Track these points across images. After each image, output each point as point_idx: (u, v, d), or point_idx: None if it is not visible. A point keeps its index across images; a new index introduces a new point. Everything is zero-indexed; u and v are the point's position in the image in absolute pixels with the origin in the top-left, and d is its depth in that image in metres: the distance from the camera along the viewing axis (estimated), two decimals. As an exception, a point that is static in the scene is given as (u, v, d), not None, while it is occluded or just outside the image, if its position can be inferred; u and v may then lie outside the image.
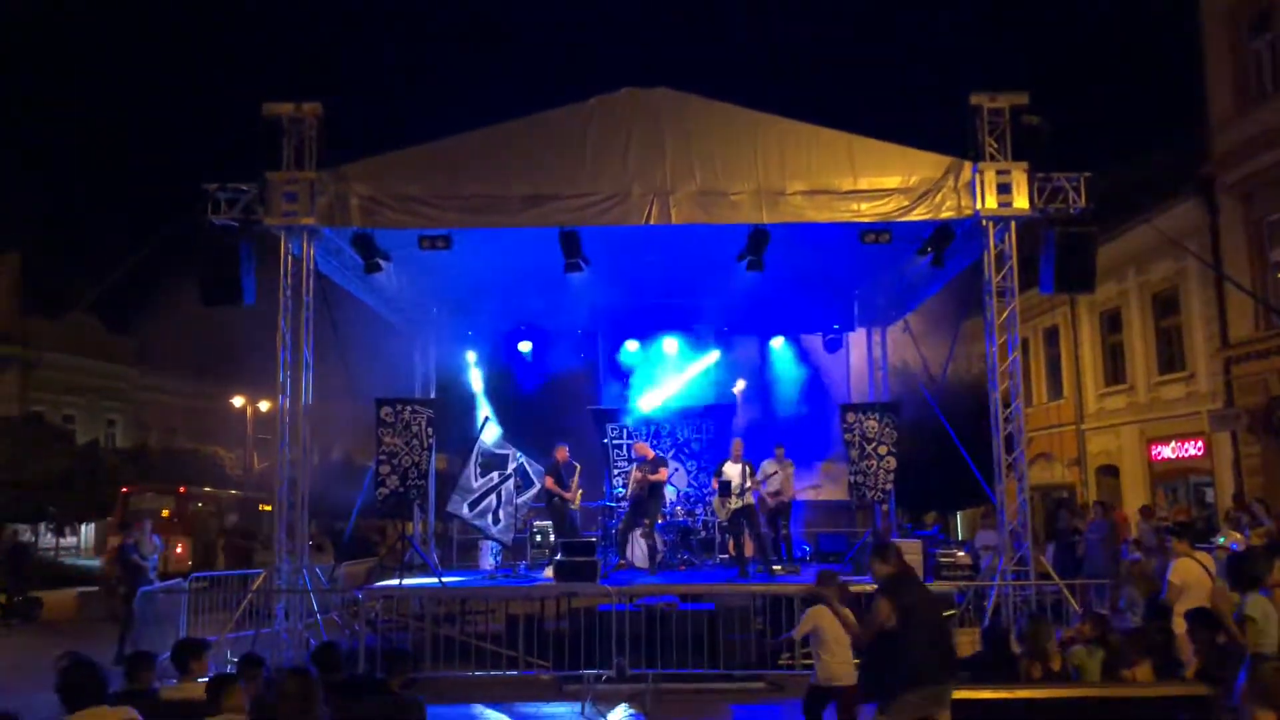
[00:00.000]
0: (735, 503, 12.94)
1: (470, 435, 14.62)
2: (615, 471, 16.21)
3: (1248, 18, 17.75)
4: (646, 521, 13.49)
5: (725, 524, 13.47)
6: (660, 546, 13.98)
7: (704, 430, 16.63)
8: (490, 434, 14.55)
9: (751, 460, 13.31)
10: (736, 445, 13.35)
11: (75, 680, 4.62)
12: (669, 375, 16.88)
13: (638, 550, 13.66)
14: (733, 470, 13.09)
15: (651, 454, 14.06)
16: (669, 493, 15.78)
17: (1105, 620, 7.47)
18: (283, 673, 5.37)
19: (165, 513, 22.92)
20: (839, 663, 7.11)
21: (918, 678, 5.64)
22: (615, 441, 16.48)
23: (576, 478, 13.85)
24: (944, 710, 5.71)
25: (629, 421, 16.53)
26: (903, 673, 5.66)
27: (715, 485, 13.34)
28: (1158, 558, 12.07)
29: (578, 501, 13.89)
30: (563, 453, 13.80)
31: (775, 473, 13.87)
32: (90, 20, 61.19)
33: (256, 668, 6.43)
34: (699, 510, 15.64)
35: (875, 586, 6.20)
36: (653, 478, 13.38)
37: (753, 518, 13.04)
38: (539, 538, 14.61)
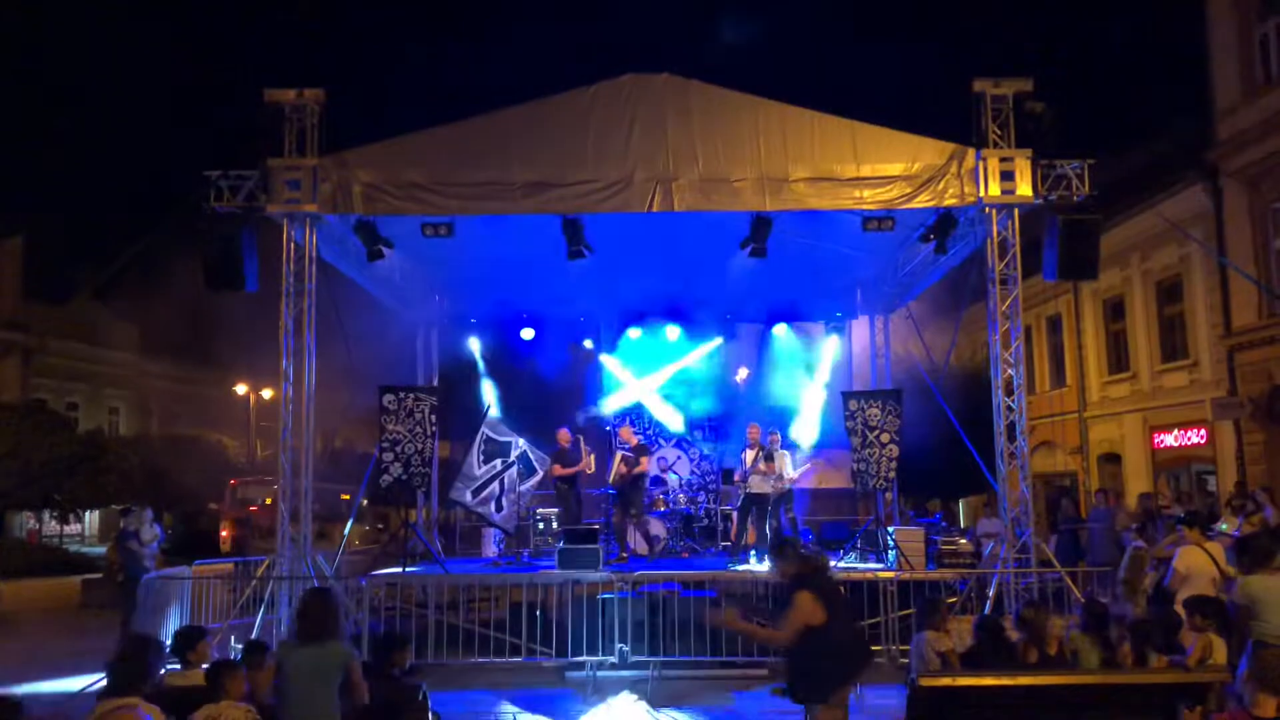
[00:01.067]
0: (743, 487, 12.95)
1: (473, 422, 14.62)
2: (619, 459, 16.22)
3: (1254, 2, 17.65)
4: (633, 512, 13.52)
5: (737, 511, 13.48)
6: (662, 534, 14.02)
7: (706, 418, 16.63)
8: (493, 422, 14.57)
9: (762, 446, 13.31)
10: (752, 430, 13.34)
11: (125, 663, 4.68)
12: (672, 362, 16.89)
13: (638, 538, 13.71)
14: (746, 456, 13.09)
15: (635, 439, 14.05)
16: (671, 480, 15.81)
17: (1104, 607, 7.48)
18: (306, 597, 5.72)
19: (269, 500, 24.09)
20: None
21: (853, 666, 5.72)
22: (618, 428, 16.50)
23: (583, 448, 13.82)
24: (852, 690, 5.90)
25: (631, 409, 16.53)
26: (841, 664, 5.65)
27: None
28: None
29: (592, 465, 13.85)
30: (564, 435, 13.81)
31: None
32: (93, 5, 61.05)
33: (261, 654, 6.44)
34: (701, 498, 15.66)
35: (788, 582, 5.96)
36: (636, 470, 13.41)
37: (761, 505, 13.04)
38: (542, 525, 14.65)
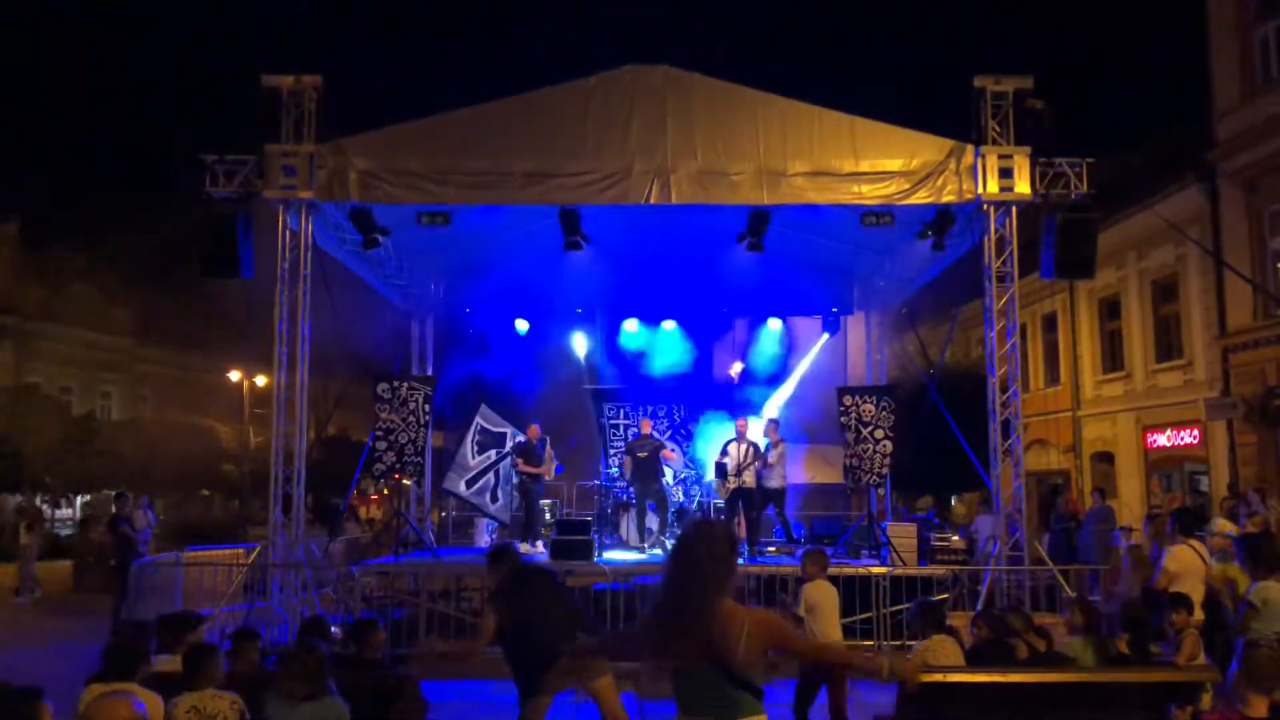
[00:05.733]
0: (733, 483, 12.93)
1: (467, 413, 14.59)
2: (611, 451, 16.22)
3: (1253, 4, 17.64)
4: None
5: (724, 504, 13.46)
6: (655, 526, 14.02)
7: (701, 411, 16.62)
8: (487, 412, 14.53)
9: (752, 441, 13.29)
10: (741, 425, 13.32)
11: (120, 649, 4.62)
12: (668, 356, 16.87)
13: (630, 531, 13.72)
14: (735, 450, 13.07)
15: (649, 428, 14.16)
16: (666, 473, 15.80)
17: (1093, 607, 7.46)
18: (293, 650, 5.44)
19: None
20: (831, 638, 7.15)
21: (543, 666, 5.88)
22: (612, 421, 16.50)
23: (549, 450, 13.77)
24: (596, 676, 6.01)
25: (627, 402, 16.51)
26: (528, 670, 6.00)
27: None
28: (1152, 544, 12.11)
29: (551, 473, 13.85)
30: (534, 430, 13.73)
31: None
32: (89, -11, 60.70)
33: (252, 641, 6.40)
34: (695, 490, 15.65)
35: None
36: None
37: (750, 499, 13.03)
38: (535, 516, 14.61)
